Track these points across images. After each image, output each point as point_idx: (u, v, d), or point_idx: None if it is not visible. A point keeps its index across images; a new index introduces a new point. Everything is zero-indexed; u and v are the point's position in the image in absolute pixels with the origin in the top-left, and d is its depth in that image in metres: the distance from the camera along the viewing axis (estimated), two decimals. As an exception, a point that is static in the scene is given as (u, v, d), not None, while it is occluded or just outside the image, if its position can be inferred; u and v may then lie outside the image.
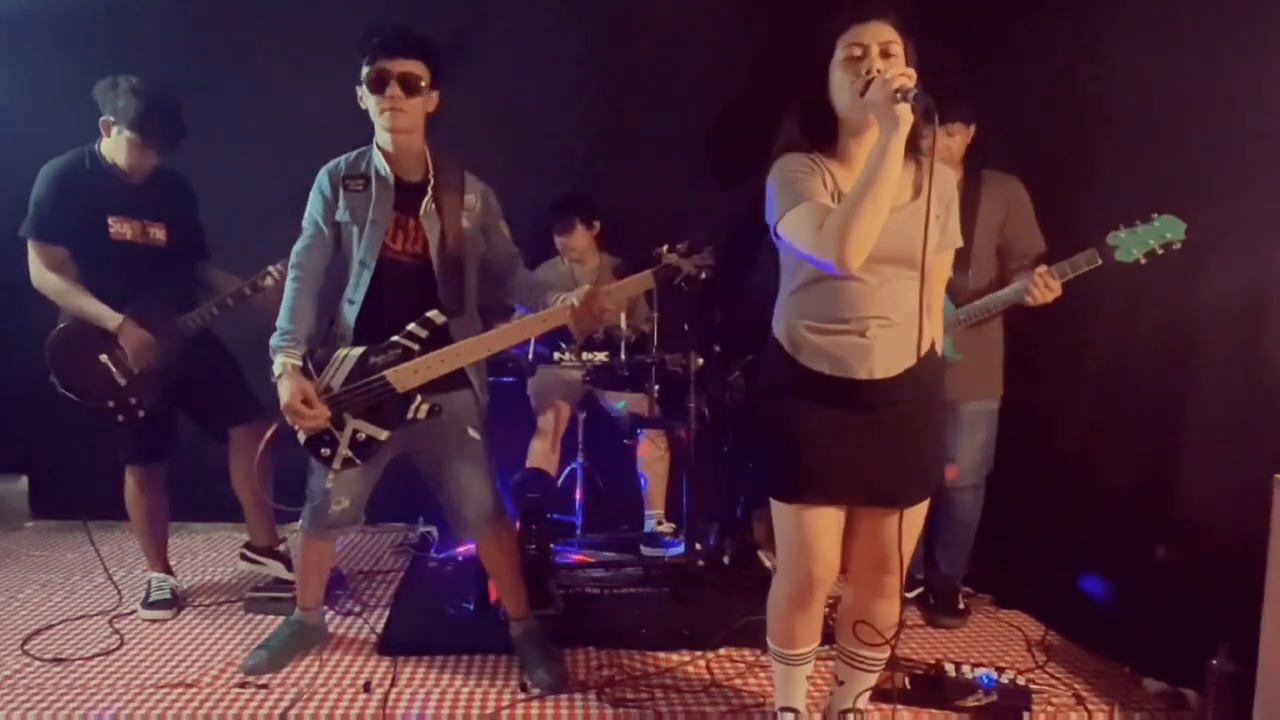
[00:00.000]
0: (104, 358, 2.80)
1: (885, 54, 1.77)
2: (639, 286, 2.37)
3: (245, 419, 3.00)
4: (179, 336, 2.86)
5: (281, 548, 3.20)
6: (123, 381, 2.81)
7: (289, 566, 3.13)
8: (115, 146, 2.79)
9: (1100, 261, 2.48)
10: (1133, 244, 2.44)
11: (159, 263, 2.90)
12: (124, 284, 2.80)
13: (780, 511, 1.98)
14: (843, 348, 1.86)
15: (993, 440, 2.87)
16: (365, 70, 2.32)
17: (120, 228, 2.82)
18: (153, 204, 2.89)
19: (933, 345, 1.95)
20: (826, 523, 1.95)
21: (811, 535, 1.95)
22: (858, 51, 1.77)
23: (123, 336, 2.78)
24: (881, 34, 1.78)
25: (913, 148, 1.80)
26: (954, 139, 2.70)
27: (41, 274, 2.79)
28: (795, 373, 1.91)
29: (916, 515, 1.99)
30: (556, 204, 3.67)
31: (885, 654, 2.11)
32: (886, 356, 1.84)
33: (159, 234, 2.91)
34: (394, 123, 2.33)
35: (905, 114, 1.64)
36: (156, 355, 2.81)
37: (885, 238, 1.72)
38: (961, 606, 2.97)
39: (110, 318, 2.77)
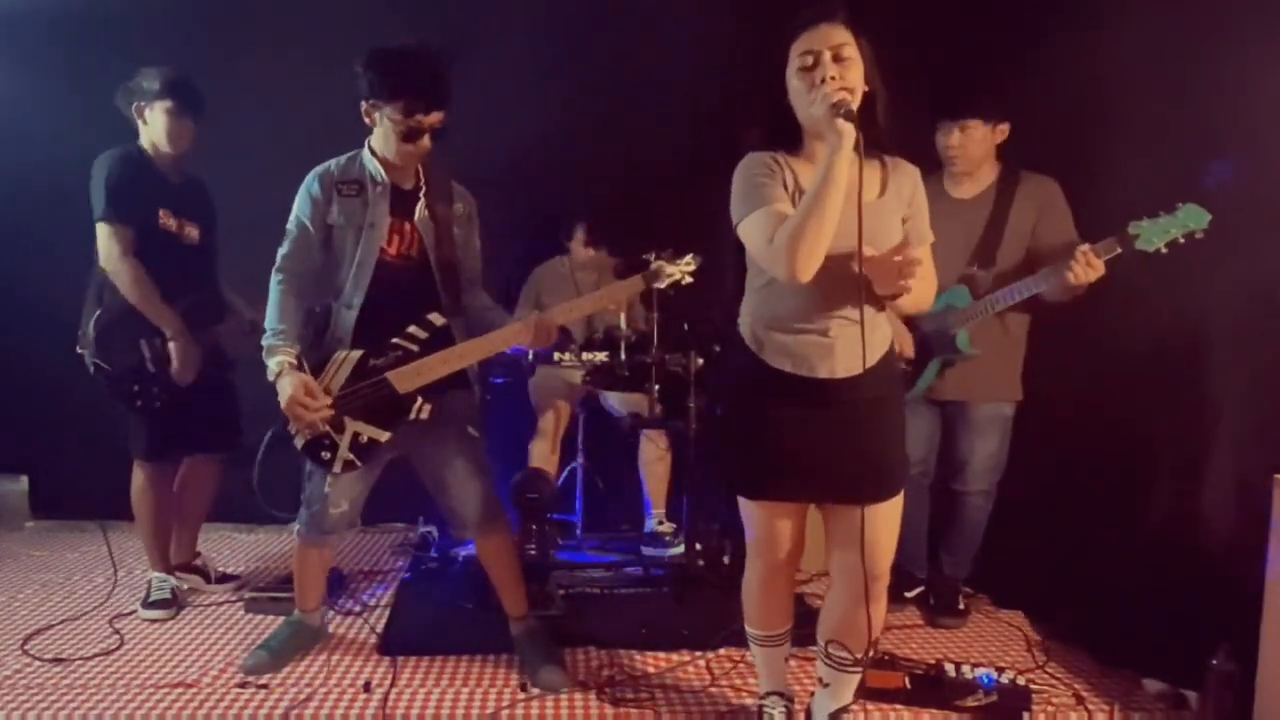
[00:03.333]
0: (143, 342, 2.83)
1: (837, 58, 1.76)
2: (629, 290, 2.48)
3: (221, 448, 3.09)
4: (216, 343, 2.96)
5: (199, 561, 3.24)
6: (152, 369, 2.85)
7: (208, 580, 3.22)
8: (155, 127, 2.85)
9: (1120, 250, 2.42)
10: (1154, 233, 2.38)
11: (193, 261, 2.99)
12: (164, 277, 2.84)
13: (745, 505, 2.04)
14: (805, 346, 1.88)
15: (1006, 447, 2.84)
16: (397, 116, 2.30)
17: (167, 220, 2.90)
18: (189, 204, 2.98)
19: (891, 345, 1.98)
20: (789, 516, 2.02)
21: (775, 527, 2.02)
22: (809, 60, 1.78)
23: (176, 345, 2.82)
24: (832, 37, 1.77)
25: (878, 145, 1.85)
26: (968, 135, 2.69)
27: (120, 259, 2.77)
28: (759, 371, 1.94)
29: (887, 515, 1.97)
30: (593, 217, 3.72)
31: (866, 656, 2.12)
32: (848, 355, 1.86)
33: (193, 233, 2.99)
34: (412, 163, 2.41)
35: (847, 130, 1.67)
36: (194, 371, 2.87)
37: (846, 235, 1.73)
38: (961, 607, 2.97)
39: (173, 325, 2.81)
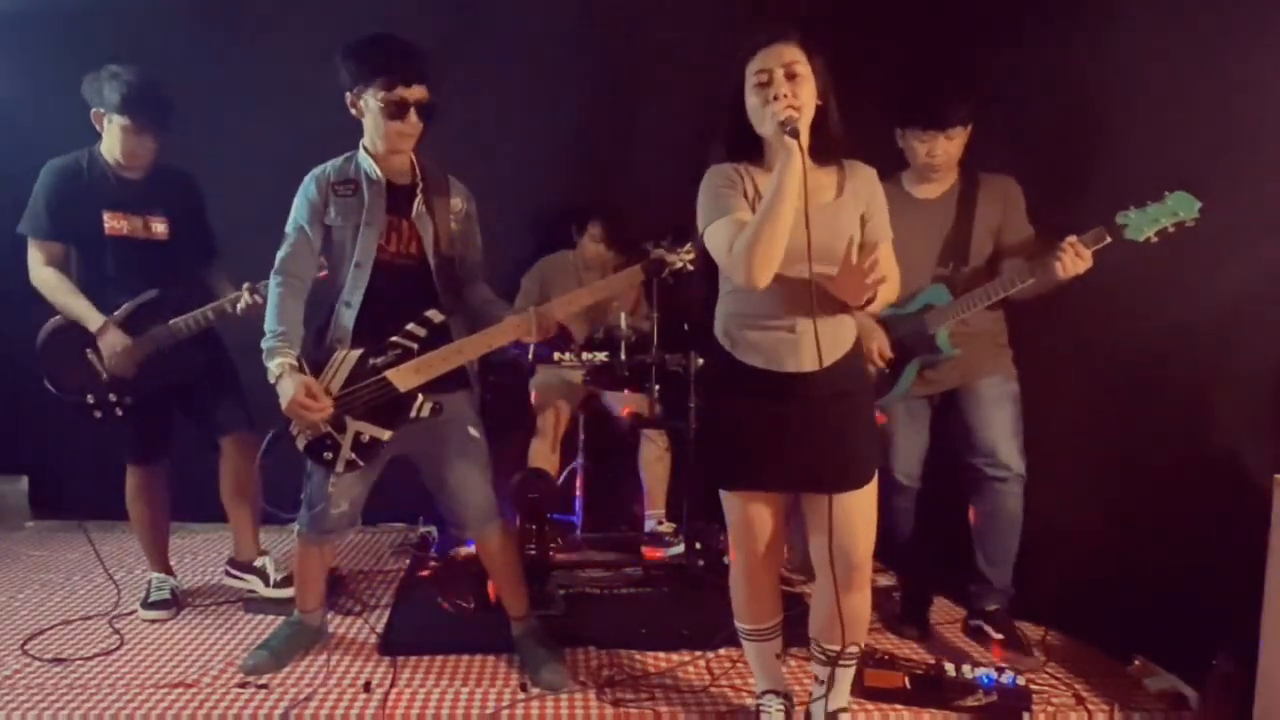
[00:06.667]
0: (90, 353, 2.80)
1: (790, 75, 1.88)
2: (629, 280, 2.49)
3: (233, 430, 2.98)
4: (166, 342, 2.82)
5: (258, 563, 3.13)
6: (104, 377, 2.80)
7: (266, 583, 3.09)
8: (111, 138, 2.78)
9: (1109, 239, 2.39)
10: (1143, 222, 2.35)
11: (161, 258, 2.87)
12: (123, 279, 2.80)
13: (724, 497, 2.13)
14: (773, 342, 1.98)
15: (1021, 426, 2.72)
16: (379, 94, 2.30)
17: (116, 223, 2.80)
18: (154, 198, 2.87)
19: (857, 343, 2.07)
20: (766, 506, 2.10)
21: (753, 517, 2.10)
22: (764, 78, 1.89)
23: (101, 339, 2.77)
24: (784, 55, 1.89)
25: (832, 154, 1.99)
26: (953, 142, 2.67)
27: (38, 270, 2.81)
28: (732, 367, 2.04)
29: (858, 505, 2.03)
30: (609, 215, 3.72)
31: (857, 649, 2.16)
32: (813, 351, 1.93)
33: (160, 228, 2.88)
34: (406, 145, 2.38)
35: (793, 146, 1.80)
36: (132, 363, 2.79)
37: (804, 238, 1.82)
38: (1027, 643, 2.73)
39: (93, 319, 2.76)
